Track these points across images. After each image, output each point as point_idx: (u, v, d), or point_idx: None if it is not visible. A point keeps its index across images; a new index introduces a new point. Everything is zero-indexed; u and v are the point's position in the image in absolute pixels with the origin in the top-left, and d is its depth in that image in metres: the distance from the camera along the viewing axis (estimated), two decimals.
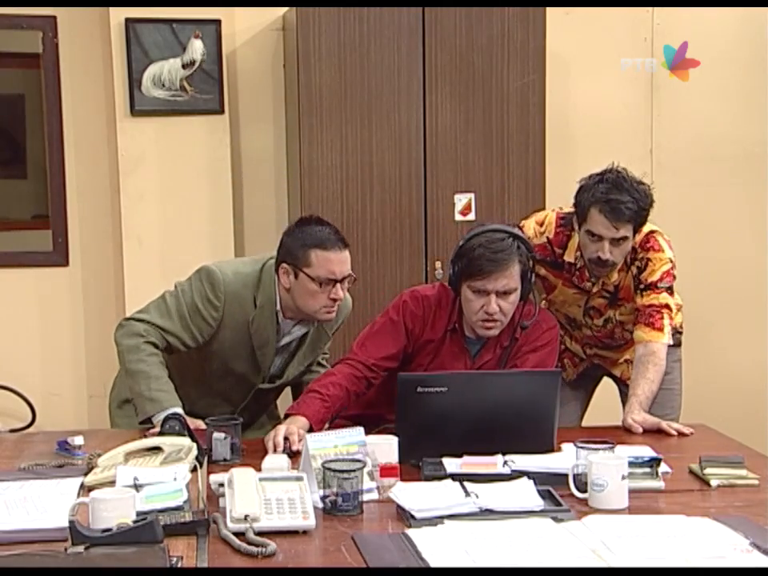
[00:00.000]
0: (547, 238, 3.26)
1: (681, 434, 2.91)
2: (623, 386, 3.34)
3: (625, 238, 3.05)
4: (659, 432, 2.92)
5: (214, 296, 3.00)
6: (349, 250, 2.98)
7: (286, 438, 2.70)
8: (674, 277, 3.15)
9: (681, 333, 3.42)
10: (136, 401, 2.97)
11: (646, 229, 3.16)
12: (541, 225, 3.29)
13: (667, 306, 3.11)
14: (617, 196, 3.02)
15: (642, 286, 3.14)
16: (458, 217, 4.26)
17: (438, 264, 4.20)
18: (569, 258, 3.23)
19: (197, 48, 4.29)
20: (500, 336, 2.95)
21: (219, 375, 3.11)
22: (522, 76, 4.25)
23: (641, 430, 2.92)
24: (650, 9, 4.74)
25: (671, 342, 3.13)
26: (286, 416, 2.85)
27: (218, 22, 4.32)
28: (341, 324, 3.27)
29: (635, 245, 3.15)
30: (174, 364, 3.05)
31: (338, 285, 2.95)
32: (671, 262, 3.14)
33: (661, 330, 3.08)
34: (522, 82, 4.25)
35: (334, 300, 2.96)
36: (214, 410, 2.99)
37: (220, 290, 3.00)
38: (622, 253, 3.10)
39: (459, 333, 2.98)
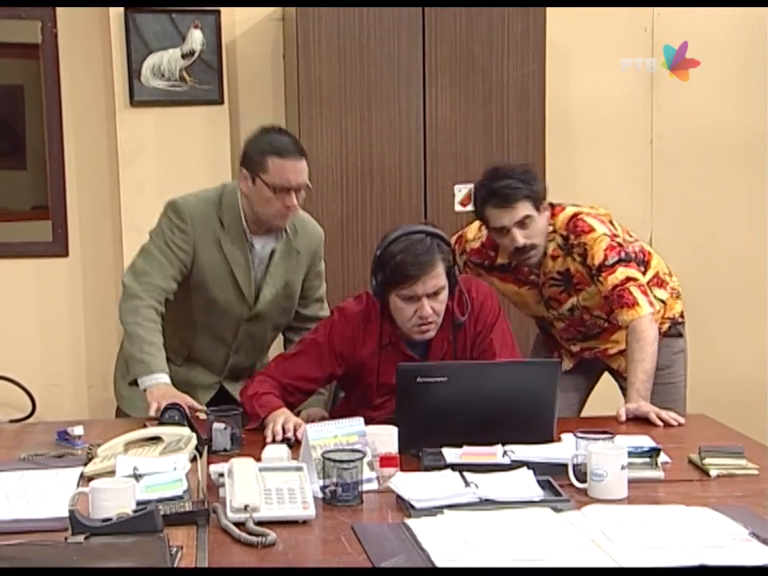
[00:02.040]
0: (481, 241, 3.28)
1: (667, 425, 2.87)
2: (621, 380, 3.33)
3: (527, 217, 3.05)
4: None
5: (181, 220, 3.10)
6: (306, 160, 3.03)
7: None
8: (620, 246, 3.09)
9: (681, 322, 3.38)
10: (129, 362, 3.06)
11: (569, 211, 3.15)
12: (480, 229, 3.29)
13: (630, 279, 3.06)
14: (497, 183, 3.05)
15: (593, 273, 3.11)
16: (458, 208, 4.26)
17: None
18: (502, 260, 3.24)
19: (196, 38, 4.28)
20: (442, 331, 2.91)
21: (206, 309, 3.18)
22: (522, 67, 4.24)
23: (623, 418, 2.89)
24: (650, 9, 4.73)
25: (652, 309, 3.06)
26: (262, 419, 2.82)
27: (217, 12, 4.31)
28: (316, 253, 3.28)
29: (563, 230, 3.13)
30: (166, 311, 3.11)
31: (293, 193, 2.99)
32: (607, 235, 3.09)
33: (635, 304, 3.03)
34: (522, 72, 4.24)
35: (288, 208, 3.01)
36: (211, 353, 3.21)
37: (185, 214, 3.10)
38: (536, 233, 3.08)
39: (398, 343, 2.91)
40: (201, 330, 3.23)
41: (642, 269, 3.22)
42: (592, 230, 3.10)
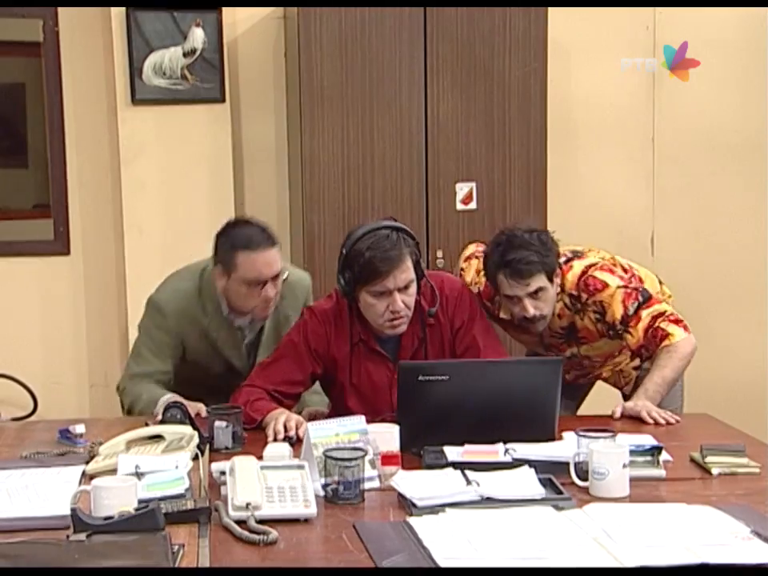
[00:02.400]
0: (479, 288, 3.19)
1: (664, 424, 2.85)
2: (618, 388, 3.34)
3: (541, 289, 2.97)
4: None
5: (162, 318, 3.10)
6: (278, 247, 3.00)
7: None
8: (635, 291, 3.04)
9: None
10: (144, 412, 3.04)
11: (577, 269, 3.07)
12: (478, 274, 3.22)
13: (656, 317, 3.01)
14: (513, 255, 2.94)
15: (619, 328, 3.04)
16: (460, 206, 4.26)
17: (440, 253, 4.19)
18: (504, 314, 3.14)
19: (198, 36, 4.28)
20: (412, 327, 2.91)
21: (201, 377, 3.20)
22: (523, 65, 4.24)
23: (617, 416, 2.88)
24: (651, 8, 4.73)
25: (687, 334, 3.01)
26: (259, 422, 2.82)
27: (218, 11, 4.31)
28: (307, 297, 3.27)
29: (572, 290, 3.07)
30: None
31: (268, 284, 2.98)
32: (620, 287, 3.03)
33: (667, 336, 2.98)
34: (524, 70, 4.24)
35: (266, 300, 3.00)
36: (208, 398, 3.14)
37: (164, 314, 3.10)
38: (546, 303, 3.00)
39: (369, 341, 2.92)
40: (195, 387, 3.24)
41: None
42: (606, 286, 3.04)
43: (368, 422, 2.49)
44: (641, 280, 3.24)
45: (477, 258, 3.28)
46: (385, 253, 2.77)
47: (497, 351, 3.00)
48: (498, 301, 3.13)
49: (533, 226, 3.07)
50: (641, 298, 3.04)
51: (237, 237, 3.00)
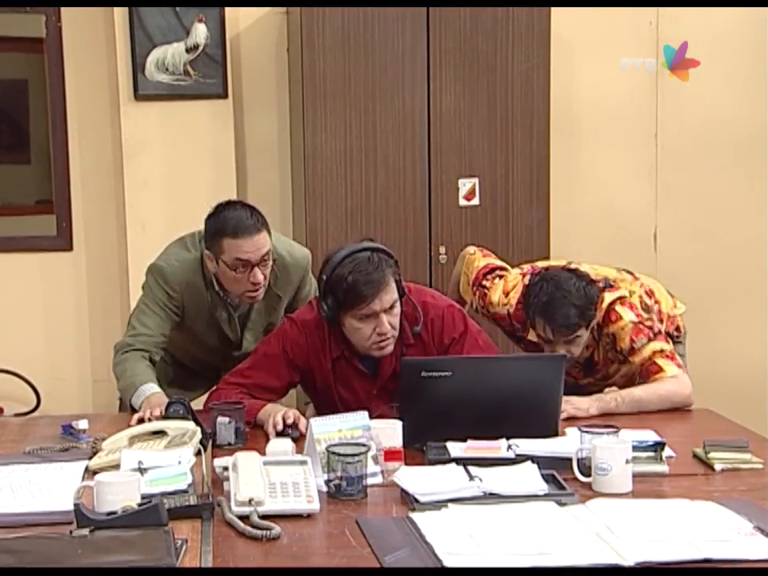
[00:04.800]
0: (508, 310, 3.20)
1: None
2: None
3: (577, 337, 2.99)
4: (667, 416, 2.92)
5: (171, 289, 3.11)
6: (267, 229, 2.99)
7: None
8: (649, 329, 3.07)
9: (678, 335, 3.37)
10: (122, 396, 3.11)
11: (605, 304, 3.08)
12: (506, 295, 3.23)
13: (656, 352, 3.04)
14: (556, 309, 2.93)
15: (622, 357, 3.09)
16: (462, 202, 4.26)
17: (443, 249, 4.19)
18: (532, 337, 3.12)
19: (200, 32, 4.28)
20: (394, 347, 2.85)
21: (196, 345, 3.28)
22: (526, 60, 4.23)
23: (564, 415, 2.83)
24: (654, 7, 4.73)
25: (680, 371, 3.04)
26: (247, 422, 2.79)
27: (221, 6, 4.31)
28: (301, 283, 3.27)
29: (599, 321, 3.08)
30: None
31: (256, 268, 2.98)
32: (633, 323, 3.06)
33: (660, 370, 3.02)
34: (527, 66, 4.24)
35: (254, 284, 3.00)
36: (200, 371, 3.36)
37: (173, 283, 3.10)
38: (579, 347, 3.02)
39: (350, 357, 2.89)
40: (190, 357, 3.36)
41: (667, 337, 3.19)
42: (620, 319, 3.07)
43: (371, 417, 2.49)
44: (653, 298, 3.28)
45: (501, 277, 3.30)
46: (368, 276, 2.72)
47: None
48: (528, 326, 3.12)
49: (577, 270, 3.06)
50: (651, 335, 3.07)
51: (224, 221, 2.99)
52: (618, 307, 3.10)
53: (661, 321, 3.26)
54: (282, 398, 3.02)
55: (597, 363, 3.18)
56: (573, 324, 2.96)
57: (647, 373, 3.05)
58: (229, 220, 2.98)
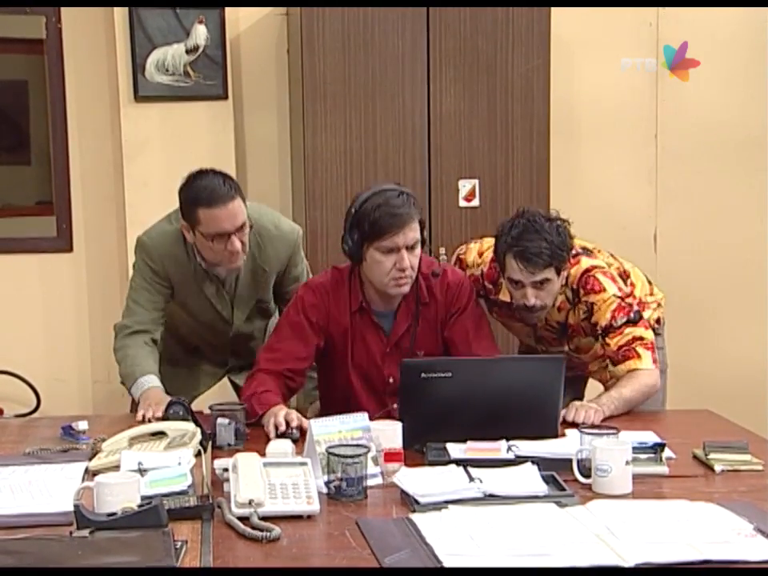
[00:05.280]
0: (482, 270, 3.19)
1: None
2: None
3: (546, 280, 2.95)
4: (666, 418, 2.92)
5: (152, 261, 3.11)
6: (241, 196, 2.97)
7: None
8: (629, 306, 3.02)
9: (656, 328, 3.28)
10: (123, 382, 3.09)
11: (583, 265, 3.06)
12: (480, 255, 3.22)
13: (636, 339, 2.99)
14: (528, 242, 2.91)
15: (599, 332, 3.03)
16: (462, 203, 4.26)
17: (443, 250, 4.19)
18: (504, 297, 3.12)
19: (200, 33, 4.28)
20: (407, 304, 2.97)
21: (195, 326, 3.26)
22: (526, 61, 4.23)
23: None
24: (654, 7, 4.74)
25: (654, 367, 2.99)
26: (259, 417, 2.82)
27: (221, 8, 4.31)
28: (291, 261, 3.25)
29: (573, 284, 3.05)
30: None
31: (233, 237, 2.96)
32: (616, 297, 3.01)
33: (637, 357, 2.97)
34: (527, 67, 4.24)
35: (232, 252, 2.98)
36: (208, 354, 3.35)
37: (154, 255, 3.10)
38: (548, 294, 2.98)
39: (367, 310, 2.97)
40: (195, 339, 3.34)
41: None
42: (602, 290, 3.02)
43: (371, 418, 2.50)
44: (631, 284, 3.22)
45: (476, 242, 3.30)
46: (395, 209, 2.82)
47: (487, 347, 3.02)
48: (500, 283, 3.12)
49: (554, 214, 3.04)
50: (631, 315, 3.02)
51: (197, 191, 2.95)
52: (599, 276, 3.04)
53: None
54: (311, 366, 3.05)
55: (571, 327, 3.12)
56: (544, 256, 2.90)
57: (623, 358, 2.99)
58: (202, 190, 2.94)
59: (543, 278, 2.94)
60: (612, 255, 3.29)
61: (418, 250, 2.89)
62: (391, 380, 2.97)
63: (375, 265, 2.87)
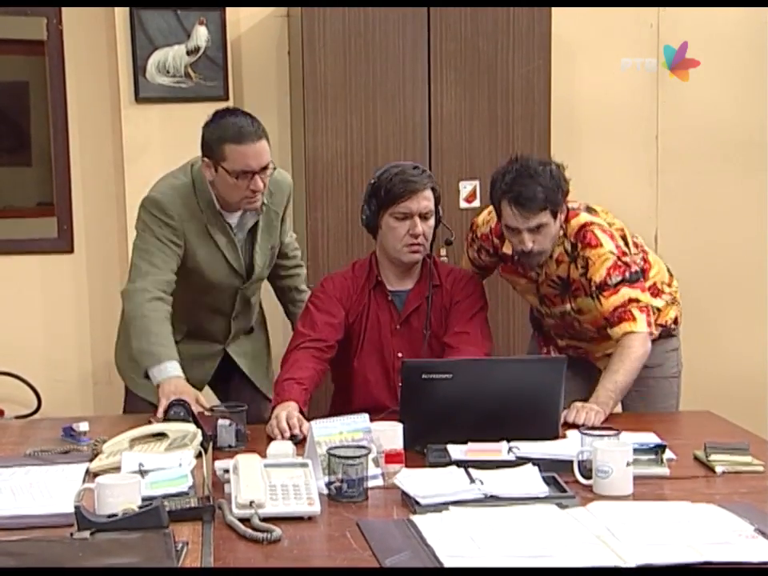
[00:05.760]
0: (490, 227, 3.21)
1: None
2: None
3: (543, 225, 2.95)
4: (668, 419, 2.92)
5: (167, 217, 3.05)
6: (266, 138, 2.98)
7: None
8: (626, 266, 2.99)
9: (674, 328, 3.29)
10: (137, 356, 2.97)
11: (582, 219, 3.05)
12: (490, 213, 3.22)
13: (632, 300, 2.97)
14: (522, 186, 2.91)
15: (594, 290, 3.01)
16: (463, 204, 4.25)
17: (444, 251, 4.19)
18: (506, 249, 3.13)
19: (201, 34, 4.28)
20: (420, 286, 3.09)
21: (202, 289, 3.18)
22: (527, 63, 4.23)
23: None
24: (655, 7, 4.74)
25: (649, 329, 2.97)
26: (272, 408, 2.85)
27: (222, 9, 4.32)
28: (287, 203, 3.29)
29: (572, 237, 3.04)
30: None
31: (256, 176, 2.96)
32: (612, 254, 2.99)
33: (632, 320, 2.94)
34: (528, 68, 4.24)
35: (254, 191, 2.97)
36: (213, 325, 3.26)
37: (170, 210, 3.05)
38: (546, 239, 2.98)
39: (382, 286, 3.09)
40: (199, 306, 3.23)
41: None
42: (599, 245, 3.00)
43: (372, 420, 2.50)
44: (646, 261, 3.21)
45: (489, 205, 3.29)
46: (411, 176, 2.99)
47: (482, 342, 3.05)
48: (504, 237, 3.13)
49: (547, 159, 3.08)
50: (627, 275, 2.99)
51: (225, 127, 2.95)
52: (597, 231, 3.03)
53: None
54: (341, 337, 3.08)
55: (574, 284, 3.10)
56: (538, 200, 2.90)
57: (618, 320, 2.96)
58: (231, 126, 2.95)
59: (539, 222, 2.95)
60: (622, 227, 3.22)
61: (432, 222, 3.03)
62: (400, 354, 3.04)
63: (390, 231, 3.01)
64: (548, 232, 2.98)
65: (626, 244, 3.13)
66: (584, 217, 3.08)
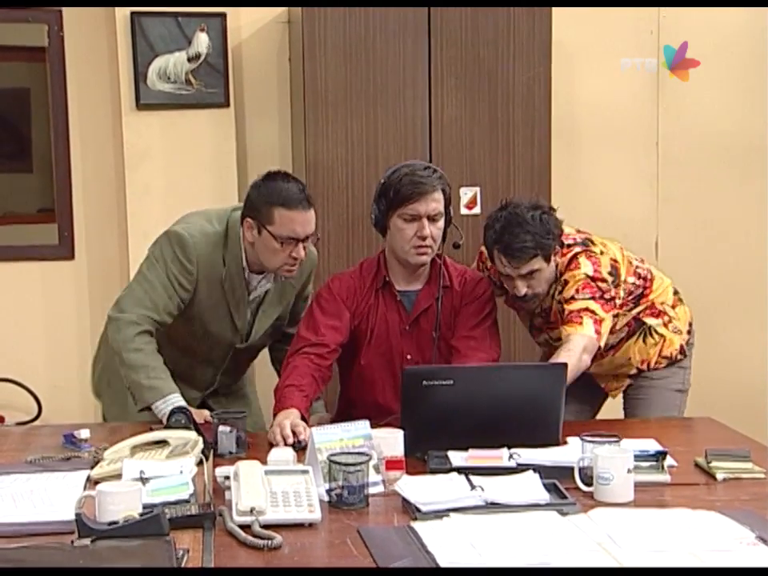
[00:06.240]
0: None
1: None
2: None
3: (535, 270, 2.96)
4: (669, 425, 2.92)
5: (187, 260, 3.00)
6: (314, 208, 2.98)
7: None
8: (599, 290, 2.98)
9: (681, 359, 3.30)
10: (134, 390, 2.95)
11: (572, 253, 3.05)
12: None
13: (587, 310, 2.96)
14: (511, 236, 2.93)
15: (560, 307, 3.04)
16: (464, 210, 4.25)
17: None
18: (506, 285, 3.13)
19: (202, 41, 4.28)
20: (429, 286, 3.06)
21: (200, 337, 3.15)
22: (527, 69, 4.23)
23: None
24: (655, 10, 4.74)
25: (595, 336, 2.94)
26: (274, 415, 2.85)
27: (223, 16, 4.32)
28: (308, 279, 3.27)
29: (562, 269, 3.05)
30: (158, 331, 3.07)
31: (300, 244, 2.95)
32: (587, 276, 3.00)
33: (579, 323, 2.94)
34: (528, 75, 4.24)
35: (295, 259, 2.97)
36: (196, 371, 3.18)
37: (192, 255, 3.00)
38: (540, 282, 3.00)
39: (391, 287, 3.06)
40: (190, 353, 3.19)
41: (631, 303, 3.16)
42: (577, 268, 3.02)
43: (377, 424, 2.50)
44: (647, 288, 3.20)
45: None
46: (420, 178, 2.95)
47: (490, 347, 3.05)
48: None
49: (539, 202, 3.05)
50: (597, 296, 2.99)
51: (277, 191, 2.93)
52: (581, 258, 3.04)
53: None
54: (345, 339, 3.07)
55: (551, 313, 3.12)
56: (528, 249, 2.92)
57: (565, 322, 2.98)
58: (283, 190, 2.93)
59: (530, 269, 2.97)
60: (615, 258, 3.17)
61: (441, 223, 2.99)
62: (409, 356, 3.04)
63: (398, 233, 2.97)
64: (541, 276, 3.01)
65: (616, 275, 3.08)
66: (575, 250, 3.07)
